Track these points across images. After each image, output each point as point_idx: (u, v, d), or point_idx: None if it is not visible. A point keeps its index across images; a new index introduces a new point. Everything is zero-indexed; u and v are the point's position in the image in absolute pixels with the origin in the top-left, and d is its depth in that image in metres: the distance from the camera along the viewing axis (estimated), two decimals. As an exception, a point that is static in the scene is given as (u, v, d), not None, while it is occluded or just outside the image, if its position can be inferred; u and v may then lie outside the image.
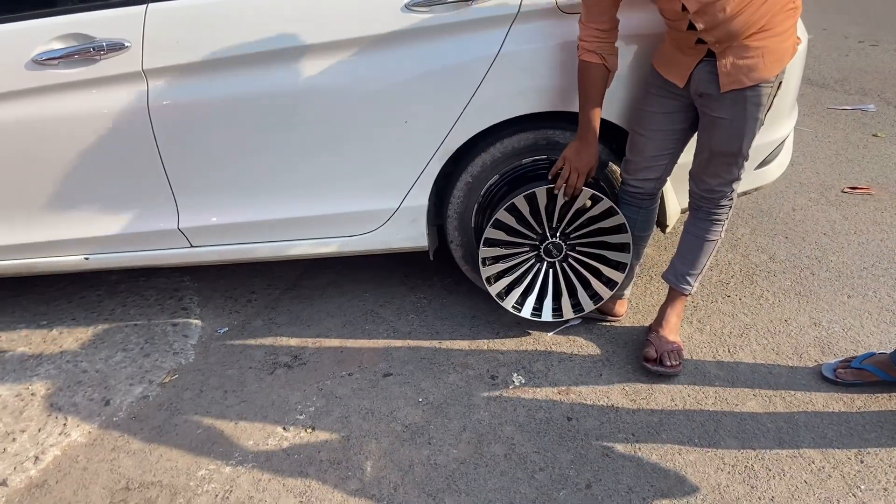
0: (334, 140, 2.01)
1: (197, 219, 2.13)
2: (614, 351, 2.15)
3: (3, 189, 2.06)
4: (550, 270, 2.10)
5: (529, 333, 2.24)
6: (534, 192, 1.93)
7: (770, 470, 1.71)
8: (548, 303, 2.14)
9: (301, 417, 1.96)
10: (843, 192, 2.96)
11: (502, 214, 1.97)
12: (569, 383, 2.03)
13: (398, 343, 2.24)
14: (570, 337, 2.22)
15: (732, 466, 1.73)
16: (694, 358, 2.09)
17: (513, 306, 2.13)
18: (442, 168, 2.07)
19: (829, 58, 4.62)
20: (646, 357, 2.05)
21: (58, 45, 1.87)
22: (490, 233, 2.00)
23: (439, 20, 1.86)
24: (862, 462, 1.71)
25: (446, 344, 2.22)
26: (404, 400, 2.01)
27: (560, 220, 2.00)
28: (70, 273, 2.29)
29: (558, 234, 2.03)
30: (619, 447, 1.81)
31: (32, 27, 1.89)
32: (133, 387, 2.11)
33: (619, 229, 1.99)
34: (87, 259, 2.21)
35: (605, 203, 1.94)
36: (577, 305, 2.14)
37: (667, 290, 2.13)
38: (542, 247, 2.05)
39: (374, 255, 2.33)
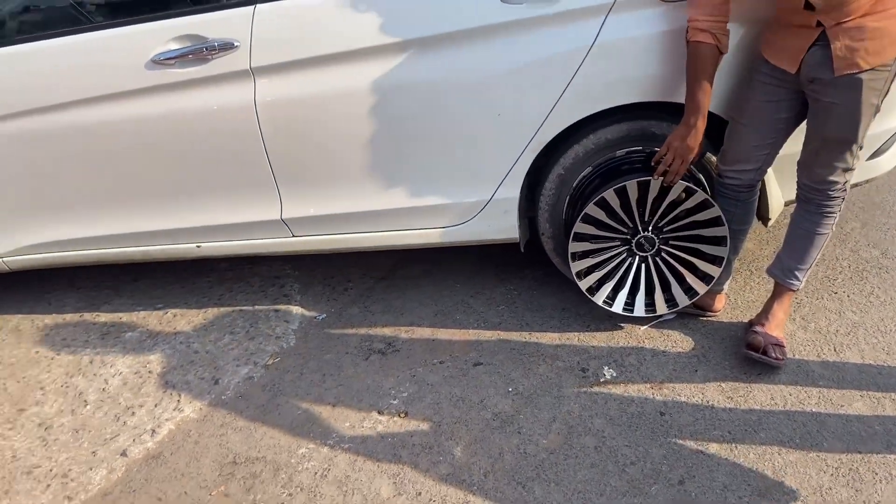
0: (429, 133, 2.06)
1: (298, 210, 2.23)
2: (710, 347, 2.10)
3: (123, 181, 2.23)
4: (643, 265, 2.07)
5: (621, 327, 2.21)
6: (624, 185, 1.91)
7: (877, 474, 1.63)
8: (640, 298, 2.11)
9: (394, 402, 2.03)
10: (967, 184, 2.75)
11: (592, 209, 1.96)
12: (662, 378, 2.00)
13: (488, 333, 2.27)
14: (664, 331, 2.18)
15: (836, 469, 1.66)
16: (796, 356, 2.01)
17: (604, 301, 2.12)
18: (534, 160, 2.08)
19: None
20: (749, 344, 1.99)
21: (174, 46, 2.00)
22: (580, 227, 2.00)
23: (535, 12, 1.87)
24: (983, 472, 1.60)
25: (536, 335, 2.24)
26: (494, 389, 2.03)
27: (652, 214, 1.97)
28: (183, 260, 2.45)
29: (651, 228, 1.99)
30: (715, 445, 1.77)
31: (152, 29, 2.03)
32: (239, 368, 2.24)
33: (715, 222, 1.93)
34: (198, 247, 2.35)
35: (700, 195, 1.90)
36: (671, 300, 2.10)
37: (766, 286, 2.06)
38: (633, 241, 2.02)
39: (466, 247, 2.36)
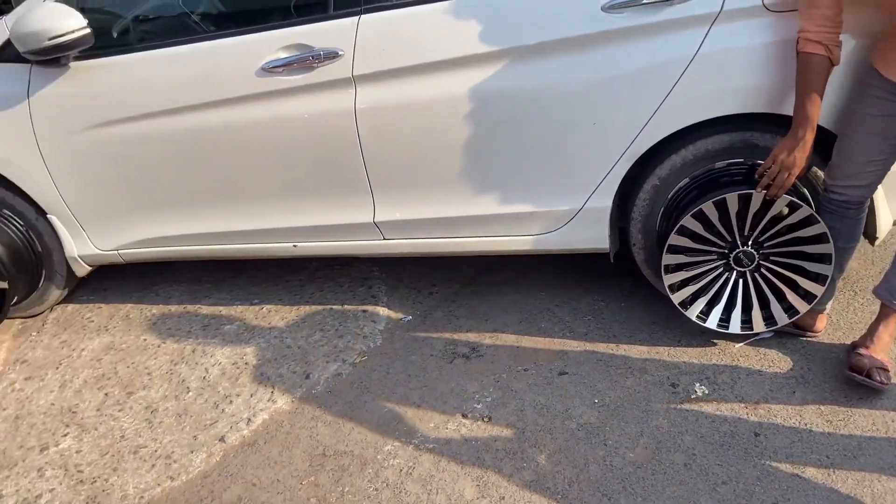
0: (523, 140, 2.08)
1: (391, 213, 2.29)
2: (810, 368, 2.02)
3: (229, 182, 2.35)
4: (740, 280, 2.02)
5: (715, 343, 2.16)
6: (724, 197, 1.87)
7: None
8: (736, 314, 2.06)
9: (478, 406, 2.05)
10: None
11: (689, 221, 1.93)
12: (757, 398, 1.94)
13: (574, 343, 2.26)
14: (761, 350, 2.11)
15: (947, 504, 1.57)
16: (903, 383, 1.91)
17: (697, 316, 2.07)
18: (629, 170, 2.07)
19: None
20: (852, 366, 1.90)
21: (283, 55, 2.10)
22: (675, 239, 1.97)
23: (637, 20, 1.86)
24: None
25: (624, 348, 2.21)
26: (580, 399, 2.02)
27: (753, 228, 1.92)
28: (279, 259, 2.56)
29: (750, 243, 1.94)
30: (812, 468, 1.70)
31: (262, 39, 2.14)
32: (329, 364, 2.32)
33: (819, 239, 1.87)
34: (295, 246, 2.45)
35: (805, 210, 1.84)
36: (769, 318, 2.03)
37: (871, 308, 1.97)
38: (731, 255, 1.97)
39: (550, 256, 2.36)
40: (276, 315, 2.62)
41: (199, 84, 2.20)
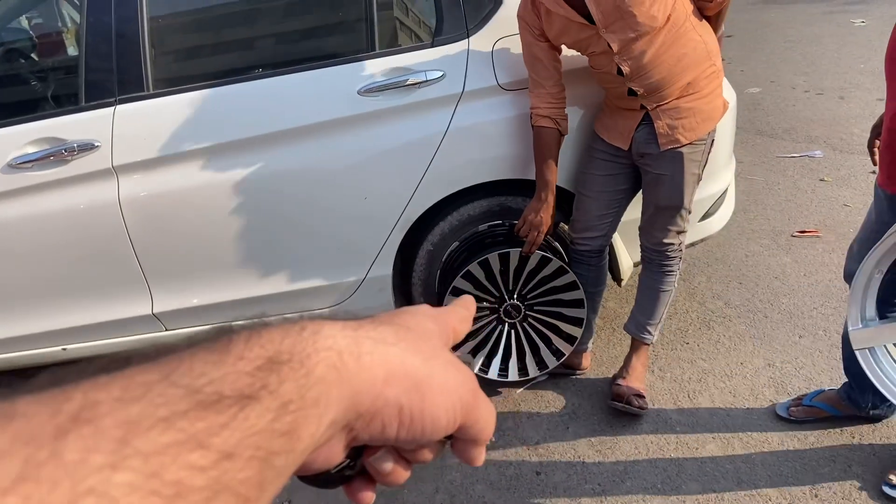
0: (300, 218, 2.12)
1: (169, 303, 2.21)
2: (580, 404, 2.22)
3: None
4: (512, 331, 2.19)
5: (499, 392, 2.31)
6: (487, 258, 2.05)
7: (729, 510, 1.77)
8: (513, 363, 2.23)
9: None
10: (792, 236, 3.10)
11: (459, 282, 2.07)
12: (537, 439, 2.10)
13: (372, 411, 2.30)
14: (538, 393, 2.29)
15: (694, 509, 1.79)
16: (656, 406, 2.17)
17: (479, 370, 2.21)
18: (404, 238, 2.19)
19: (776, 108, 4.85)
20: (614, 395, 2.12)
21: (32, 149, 1.99)
22: (449, 300, 2.09)
23: (391, 103, 2.01)
24: (816, 496, 1.78)
25: (418, 408, 2.28)
26: (378, 466, 2.05)
27: (515, 283, 2.11)
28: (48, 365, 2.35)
29: (515, 296, 2.13)
30: (587, 498, 1.86)
31: (8, 134, 2.01)
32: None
33: (572, 286, 2.09)
34: (64, 350, 2.27)
35: (555, 263, 2.05)
36: (541, 363, 2.22)
37: (627, 342, 2.22)
38: (501, 309, 2.15)
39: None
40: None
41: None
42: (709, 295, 2.73)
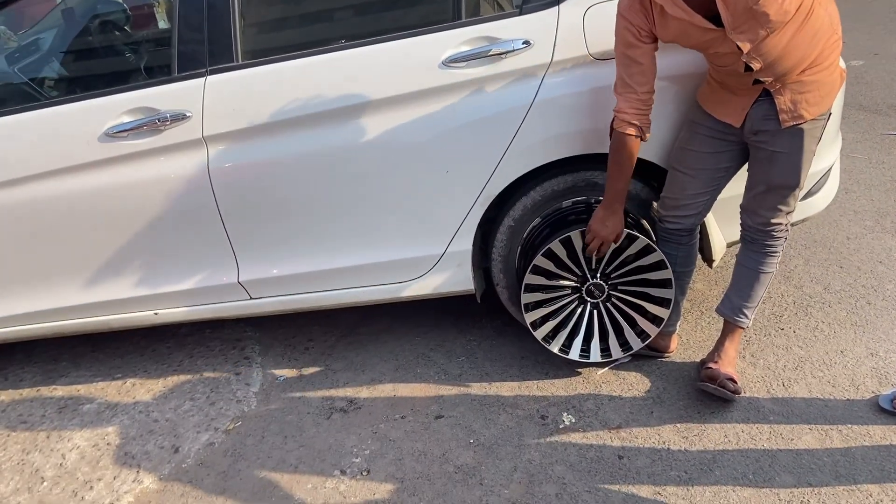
0: (381, 191, 2.12)
1: (255, 272, 2.26)
2: (665, 388, 2.14)
3: (80, 253, 2.23)
4: (594, 311, 2.13)
5: (579, 373, 2.26)
6: (569, 235, 1.98)
7: (828, 506, 1.67)
8: (595, 343, 2.16)
9: (357, 461, 2.03)
10: (900, 218, 2.89)
11: (540, 260, 2.02)
12: (620, 422, 2.04)
13: (449, 385, 2.29)
14: (621, 375, 2.22)
15: (788, 502, 1.69)
16: (747, 394, 2.07)
17: (560, 349, 2.16)
18: (485, 213, 2.15)
19: (881, 83, 4.52)
20: (705, 377, 2.03)
21: (127, 119, 2.05)
22: (529, 278, 2.05)
23: (475, 73, 1.96)
24: (926, 497, 1.65)
25: (496, 385, 2.26)
26: (456, 441, 2.05)
27: (599, 262, 2.04)
28: (143, 328, 2.44)
29: (599, 275, 2.06)
30: (672, 486, 1.80)
31: (105, 103, 2.07)
32: (200, 434, 2.22)
33: (659, 266, 2.01)
34: (156, 314, 2.35)
35: (642, 241, 1.97)
36: (625, 344, 2.15)
37: (717, 325, 2.12)
38: (583, 288, 2.08)
39: (427, 301, 2.40)
40: (142, 388, 2.49)
41: (39, 153, 2.10)
42: (807, 279, 2.58)
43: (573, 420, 2.07)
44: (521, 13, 1.96)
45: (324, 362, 2.52)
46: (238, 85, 2.03)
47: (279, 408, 2.30)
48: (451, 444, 2.04)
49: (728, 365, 2.07)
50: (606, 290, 2.08)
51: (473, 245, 2.20)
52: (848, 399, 1.99)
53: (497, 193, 2.11)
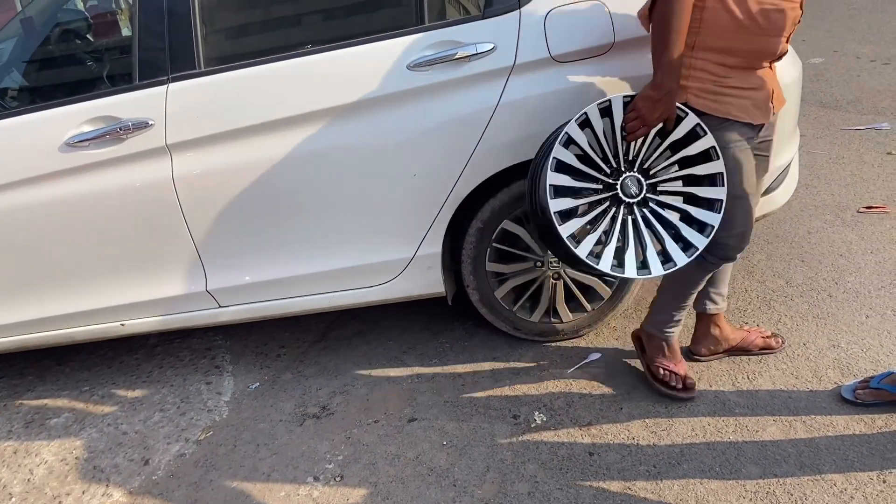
0: (349, 196, 2.11)
1: (223, 280, 2.24)
2: (634, 384, 2.17)
3: (42, 265, 2.20)
4: (630, 218, 1.78)
5: (550, 372, 2.28)
6: (609, 101, 1.69)
7: (792, 495, 1.71)
8: (630, 255, 1.78)
9: (330, 466, 2.02)
10: (858, 212, 2.96)
11: (559, 151, 1.70)
12: (590, 419, 2.06)
13: (422, 388, 2.30)
14: (591, 372, 2.25)
15: (755, 493, 1.73)
16: (713, 388, 2.11)
17: (589, 257, 1.77)
18: (454, 215, 2.16)
19: (840, 79, 4.63)
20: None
21: (88, 128, 2.02)
22: (553, 178, 1.73)
23: (441, 77, 1.97)
24: (884, 482, 1.70)
25: (468, 386, 2.27)
26: (429, 444, 2.05)
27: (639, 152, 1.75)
28: (108, 340, 2.41)
29: (636, 169, 1.76)
30: (641, 480, 1.82)
31: (65, 113, 2.04)
32: (170, 445, 2.20)
33: (706, 156, 1.71)
34: (122, 325, 2.32)
35: (692, 119, 1.68)
36: (689, 246, 1.78)
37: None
38: (619, 183, 1.75)
39: (399, 304, 2.40)
40: (110, 401, 2.45)
41: (-2, 164, 2.07)
42: (769, 273, 2.63)
43: (544, 419, 2.09)
44: (484, 17, 1.98)
45: (296, 369, 2.51)
46: (201, 92, 2.02)
47: (251, 416, 2.29)
48: (424, 447, 2.04)
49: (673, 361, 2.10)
50: (645, 186, 1.77)
51: (443, 248, 2.21)
52: (811, 390, 2.03)
53: (465, 196, 2.12)
